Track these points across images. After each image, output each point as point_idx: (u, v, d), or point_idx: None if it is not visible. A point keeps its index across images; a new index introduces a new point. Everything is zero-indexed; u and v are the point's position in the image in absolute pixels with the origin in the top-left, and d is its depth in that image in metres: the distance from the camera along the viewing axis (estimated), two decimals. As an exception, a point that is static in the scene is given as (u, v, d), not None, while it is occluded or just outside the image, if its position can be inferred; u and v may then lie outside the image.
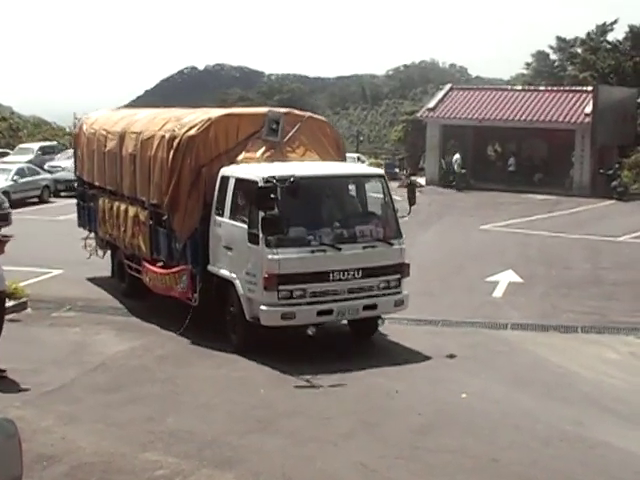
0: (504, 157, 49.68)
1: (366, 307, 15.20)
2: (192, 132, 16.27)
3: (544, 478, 10.12)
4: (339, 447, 10.61)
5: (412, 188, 16.14)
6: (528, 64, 72.05)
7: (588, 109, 44.06)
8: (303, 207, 15.10)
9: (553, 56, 70.17)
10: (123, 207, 18.82)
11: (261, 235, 14.65)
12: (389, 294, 15.37)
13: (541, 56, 71.28)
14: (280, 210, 14.50)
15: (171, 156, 16.56)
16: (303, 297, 14.68)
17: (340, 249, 14.91)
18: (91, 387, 13.06)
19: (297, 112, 17.41)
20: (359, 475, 9.90)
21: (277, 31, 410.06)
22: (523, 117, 45.95)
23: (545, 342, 16.26)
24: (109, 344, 15.54)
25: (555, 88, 49.55)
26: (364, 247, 15.20)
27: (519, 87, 53.31)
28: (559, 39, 68.62)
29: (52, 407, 12.08)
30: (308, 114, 17.31)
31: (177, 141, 16.46)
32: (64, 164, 43.30)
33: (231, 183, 15.67)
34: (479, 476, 10.12)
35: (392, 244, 15.41)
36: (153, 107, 20.69)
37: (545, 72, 67.00)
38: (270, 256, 14.59)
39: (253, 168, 15.66)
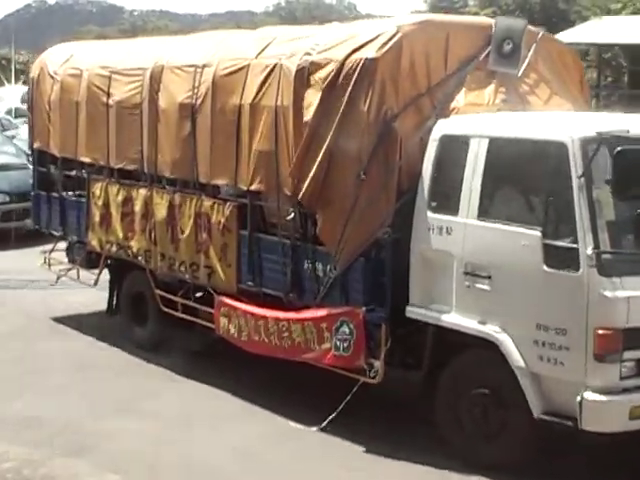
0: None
1: None
2: (371, 52, 8.49)
3: None
4: (212, 429, 9.14)
5: None
6: None
7: (488, 51, 37.96)
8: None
9: None
10: (162, 199, 10.84)
11: (589, 251, 7.05)
12: None
13: None
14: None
15: (316, 102, 8.77)
16: None
17: None
18: None
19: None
20: (232, 459, 8.46)
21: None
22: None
23: None
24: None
25: None
26: None
27: None
28: None
29: None
30: (541, 31, 9.71)
31: (331, 71, 8.75)
32: None
33: (480, 150, 8.03)
34: None
35: None
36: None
37: (443, 8, 59.08)
38: (609, 293, 7.25)
39: (531, 120, 8.30)
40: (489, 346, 7.91)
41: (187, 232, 10.43)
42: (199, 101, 10.20)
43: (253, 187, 9.64)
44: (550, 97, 9.24)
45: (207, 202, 10.20)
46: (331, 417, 8.90)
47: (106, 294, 12.31)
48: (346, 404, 8.85)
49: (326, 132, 8.74)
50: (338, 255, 8.83)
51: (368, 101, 8.47)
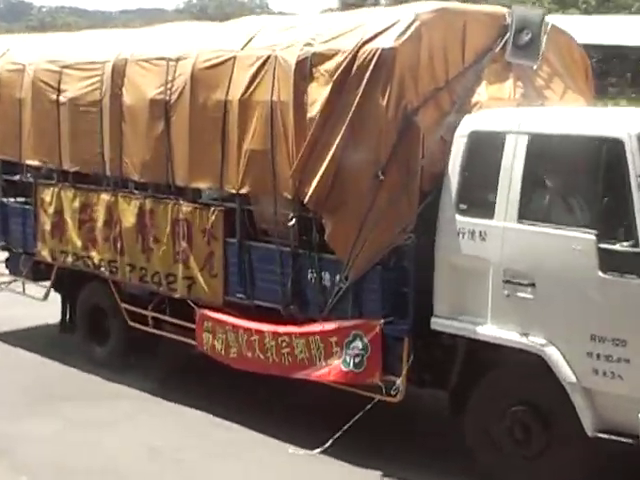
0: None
1: None
2: (388, 42, 7.77)
3: None
4: (122, 429, 8.93)
5: None
6: None
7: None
8: None
9: None
10: (129, 205, 9.94)
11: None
12: None
13: None
14: None
15: (323, 97, 8.15)
16: None
17: None
18: None
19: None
20: (145, 458, 8.28)
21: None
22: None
23: None
24: None
25: None
26: None
27: None
28: None
29: None
30: (551, 23, 9.13)
31: (340, 63, 8.02)
32: None
33: (518, 148, 7.37)
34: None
35: None
36: None
37: (354, 5, 58.85)
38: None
39: (577, 116, 7.70)
40: (529, 359, 7.29)
41: (162, 240, 9.55)
42: (174, 97, 9.33)
43: (244, 190, 8.81)
44: (565, 91, 8.71)
45: (186, 207, 9.34)
46: (335, 436, 8.22)
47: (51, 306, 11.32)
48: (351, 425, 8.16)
49: (336, 129, 7.97)
50: (351, 263, 8.08)
51: (387, 95, 7.73)
